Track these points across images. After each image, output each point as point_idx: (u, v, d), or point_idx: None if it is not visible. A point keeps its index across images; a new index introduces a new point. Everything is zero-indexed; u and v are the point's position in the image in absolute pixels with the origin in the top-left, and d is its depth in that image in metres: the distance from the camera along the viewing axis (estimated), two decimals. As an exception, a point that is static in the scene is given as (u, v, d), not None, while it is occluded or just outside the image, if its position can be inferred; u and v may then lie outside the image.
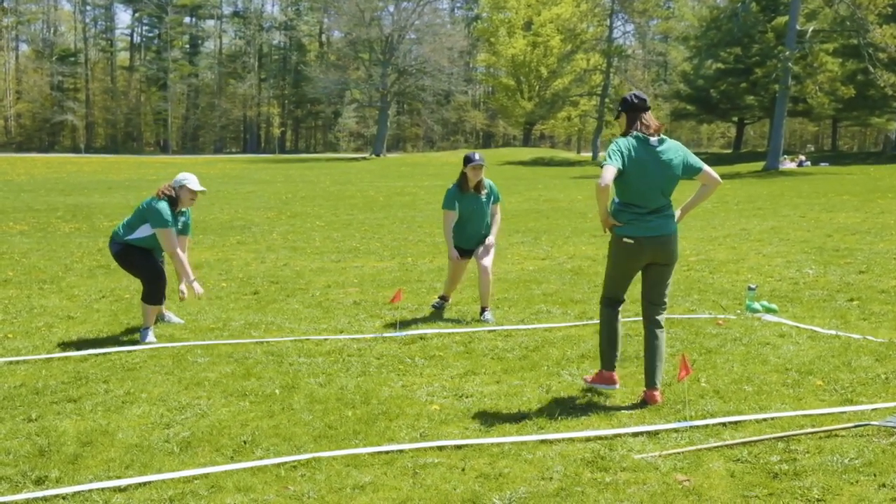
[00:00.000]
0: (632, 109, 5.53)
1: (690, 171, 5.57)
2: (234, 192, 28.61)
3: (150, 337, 7.50)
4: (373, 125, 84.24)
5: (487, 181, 8.50)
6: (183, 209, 7.74)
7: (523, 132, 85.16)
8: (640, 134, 5.46)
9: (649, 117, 5.53)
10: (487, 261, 8.36)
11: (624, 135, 5.55)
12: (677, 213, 5.70)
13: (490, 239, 8.51)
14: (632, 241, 5.46)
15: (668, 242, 5.51)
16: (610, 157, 5.37)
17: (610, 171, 5.28)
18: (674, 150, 5.51)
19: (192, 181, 7.59)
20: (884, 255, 12.04)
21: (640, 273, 5.70)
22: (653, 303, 5.65)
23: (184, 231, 7.82)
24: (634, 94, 5.56)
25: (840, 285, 9.78)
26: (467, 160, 8.28)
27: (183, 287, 7.62)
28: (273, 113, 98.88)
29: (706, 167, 5.63)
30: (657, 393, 5.52)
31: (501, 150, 70.85)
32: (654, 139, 5.45)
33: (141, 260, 7.60)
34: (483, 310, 8.37)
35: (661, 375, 5.58)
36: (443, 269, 11.37)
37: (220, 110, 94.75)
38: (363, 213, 21.05)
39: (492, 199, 8.47)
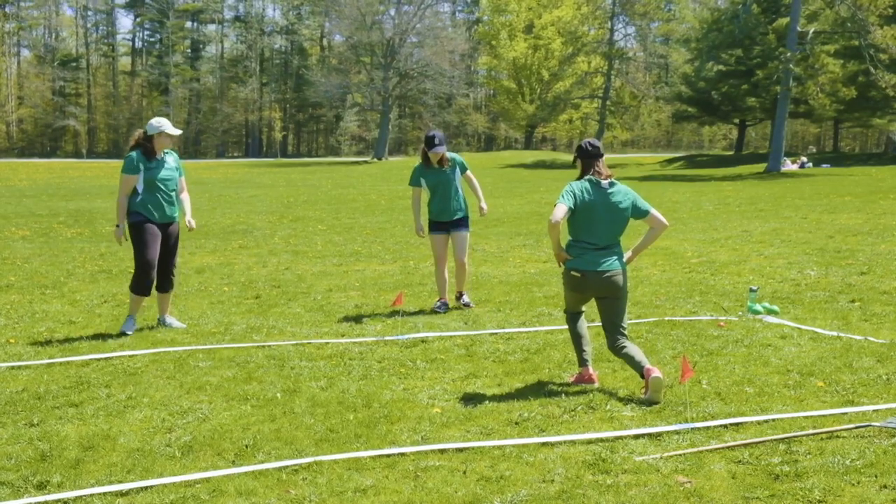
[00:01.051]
0: (587, 156, 6.01)
1: (638, 214, 6.02)
2: (236, 197, 28.64)
3: (130, 325, 7.86)
4: (374, 129, 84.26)
5: (451, 154, 8.89)
6: (166, 151, 8.05)
7: (525, 135, 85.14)
8: (593, 178, 5.92)
9: (601, 164, 5.99)
10: (463, 256, 8.94)
11: (579, 178, 5.99)
12: (628, 254, 6.12)
13: (481, 205, 9.17)
14: (578, 275, 5.93)
15: (612, 277, 5.90)
16: (563, 197, 5.86)
17: (561, 210, 5.77)
18: (623, 193, 5.97)
19: (167, 126, 7.94)
20: (885, 256, 12.03)
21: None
22: (610, 332, 6.02)
23: (179, 172, 8.17)
24: (589, 143, 6.09)
25: (842, 286, 9.78)
26: (429, 143, 8.65)
27: (118, 232, 8.04)
28: (275, 117, 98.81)
29: (653, 211, 6.05)
30: (651, 368, 5.64)
31: (503, 153, 70.83)
32: (605, 182, 5.92)
33: (139, 242, 7.86)
34: (460, 294, 8.87)
35: (644, 357, 5.80)
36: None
37: (222, 115, 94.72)
38: (365, 216, 21.06)
39: (458, 169, 8.88)
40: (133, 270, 8.03)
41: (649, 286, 10.12)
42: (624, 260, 6.01)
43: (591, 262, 5.87)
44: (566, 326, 7.97)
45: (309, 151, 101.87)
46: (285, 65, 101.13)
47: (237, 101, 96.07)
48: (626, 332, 5.99)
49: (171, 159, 8.07)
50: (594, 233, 5.88)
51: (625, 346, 5.89)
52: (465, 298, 8.96)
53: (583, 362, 6.12)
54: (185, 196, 8.28)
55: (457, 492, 4.28)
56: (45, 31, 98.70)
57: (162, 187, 7.90)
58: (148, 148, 7.89)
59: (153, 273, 7.85)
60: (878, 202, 21.64)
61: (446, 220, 8.91)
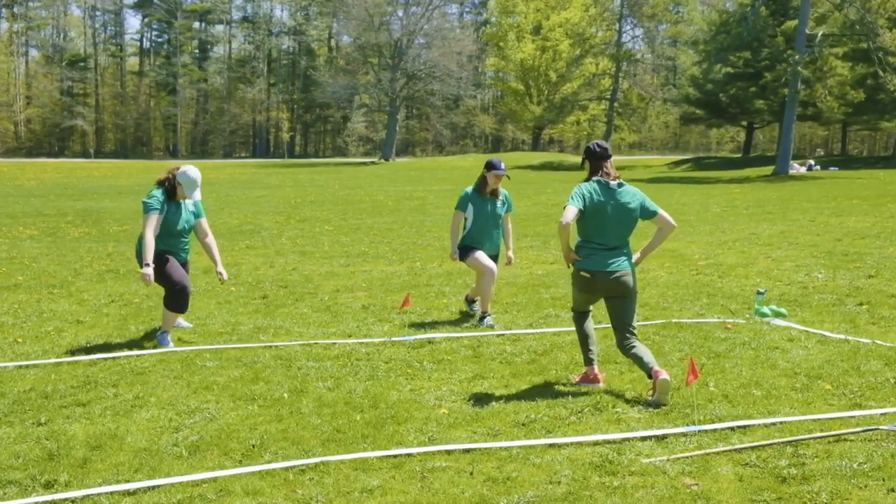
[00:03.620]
0: (595, 158, 6.05)
1: (646, 215, 6.06)
2: (244, 197, 28.68)
3: (167, 341, 7.49)
4: (382, 129, 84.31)
5: (503, 191, 8.52)
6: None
7: (532, 136, 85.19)
8: (601, 179, 5.96)
9: (609, 165, 6.02)
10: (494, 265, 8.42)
11: (587, 179, 6.02)
12: (636, 255, 6.16)
13: (509, 254, 8.74)
14: (588, 275, 5.97)
15: (621, 278, 5.94)
16: (572, 199, 5.88)
17: (571, 212, 5.79)
18: (631, 194, 6.01)
19: (196, 190, 7.49)
20: (893, 259, 12.00)
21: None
22: (619, 331, 6.04)
23: (197, 215, 7.77)
24: (597, 144, 6.12)
25: (849, 289, 9.76)
26: (491, 166, 8.33)
27: (148, 271, 7.24)
28: (282, 118, 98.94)
29: (661, 211, 6.09)
30: (659, 371, 5.64)
31: (510, 155, 70.82)
32: (613, 183, 5.96)
33: (165, 270, 7.45)
34: (484, 315, 8.35)
35: (653, 359, 5.81)
36: (451, 273, 11.38)
37: (230, 115, 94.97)
38: (372, 217, 21.07)
39: (505, 207, 8.51)
40: (166, 295, 7.56)
41: (657, 288, 10.11)
42: (633, 261, 6.05)
43: (600, 263, 5.91)
44: (573, 328, 8.00)
45: (316, 152, 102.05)
46: (293, 65, 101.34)
47: (245, 102, 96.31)
48: (635, 332, 6.01)
49: (189, 203, 7.71)
50: (603, 233, 5.92)
51: (634, 347, 5.91)
52: (489, 319, 8.34)
53: (588, 361, 6.17)
54: (210, 240, 7.87)
55: (463, 493, 4.28)
56: (53, 31, 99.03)
57: (176, 232, 7.56)
58: (172, 191, 7.51)
59: (188, 290, 7.54)
60: (886, 205, 21.58)
61: (483, 250, 8.40)
